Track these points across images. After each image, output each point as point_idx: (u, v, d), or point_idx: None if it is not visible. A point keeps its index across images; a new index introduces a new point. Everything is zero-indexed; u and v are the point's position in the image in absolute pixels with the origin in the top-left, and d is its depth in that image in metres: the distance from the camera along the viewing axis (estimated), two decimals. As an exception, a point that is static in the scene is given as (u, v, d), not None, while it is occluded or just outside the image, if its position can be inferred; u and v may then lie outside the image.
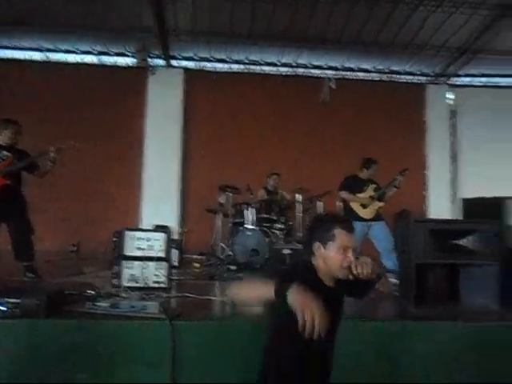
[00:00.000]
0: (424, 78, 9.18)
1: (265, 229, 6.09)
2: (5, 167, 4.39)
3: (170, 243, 4.14)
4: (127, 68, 8.50)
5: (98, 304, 3.06)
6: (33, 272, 4.41)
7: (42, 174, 4.61)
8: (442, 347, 2.91)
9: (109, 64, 8.50)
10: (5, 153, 4.44)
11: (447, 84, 9.25)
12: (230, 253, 5.87)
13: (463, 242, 3.53)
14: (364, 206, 5.66)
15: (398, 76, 9.08)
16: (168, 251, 3.98)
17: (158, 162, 8.37)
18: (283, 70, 8.83)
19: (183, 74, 8.75)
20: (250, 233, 5.91)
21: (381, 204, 5.72)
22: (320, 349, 1.95)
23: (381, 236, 5.51)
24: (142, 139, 8.49)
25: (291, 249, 5.97)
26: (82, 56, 8.40)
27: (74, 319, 2.80)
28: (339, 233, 1.98)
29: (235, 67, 8.75)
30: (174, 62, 8.72)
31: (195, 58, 8.67)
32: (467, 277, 3.73)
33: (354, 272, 1.92)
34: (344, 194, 5.73)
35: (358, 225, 4.79)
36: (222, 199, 6.36)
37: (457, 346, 2.95)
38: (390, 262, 5.07)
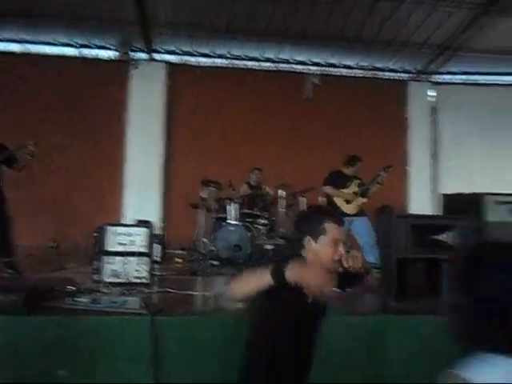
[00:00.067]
0: (406, 75, 9.25)
1: (247, 224, 6.09)
2: (-18, 161, 4.32)
3: (152, 238, 4.10)
4: (109, 61, 8.36)
5: (78, 300, 3.03)
6: (12, 268, 4.35)
7: (20, 167, 4.55)
8: (424, 341, 2.95)
9: (90, 57, 8.36)
10: (-18, 147, 4.37)
11: (429, 81, 9.36)
12: (213, 248, 5.86)
13: (442, 237, 3.58)
14: (348, 202, 5.71)
15: (380, 73, 9.13)
16: (150, 246, 3.95)
17: (141, 157, 8.28)
18: (266, 65, 8.80)
19: (166, 67, 8.66)
20: (232, 228, 5.91)
21: (364, 200, 5.77)
22: (304, 342, 1.96)
23: (363, 231, 5.56)
24: (125, 133, 8.39)
25: (274, 244, 5.98)
26: (62, 48, 8.23)
27: (54, 315, 2.77)
28: (330, 226, 2.00)
29: (218, 62, 8.70)
30: (156, 56, 8.62)
31: (178, 51, 8.58)
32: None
33: (345, 265, 1.94)
34: (328, 189, 5.77)
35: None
36: (204, 194, 6.33)
37: (439, 339, 2.99)
38: (372, 256, 5.10)
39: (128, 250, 3.84)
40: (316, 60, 8.82)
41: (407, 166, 9.14)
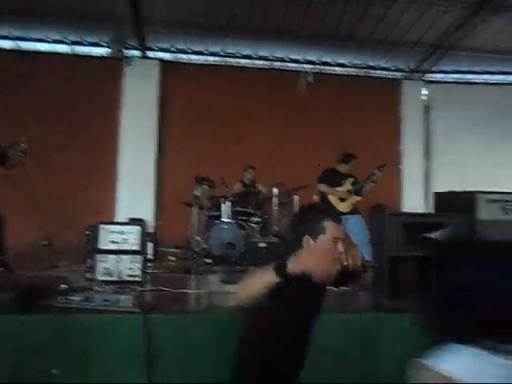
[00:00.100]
0: (399, 73, 9.28)
1: (241, 222, 6.09)
2: (-26, 159, 4.28)
3: (145, 236, 4.10)
4: (102, 58, 8.29)
5: (71, 298, 3.02)
6: (4, 266, 4.32)
7: (12, 165, 4.50)
8: (417, 339, 2.96)
9: (83, 54, 8.30)
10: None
11: (422, 80, 9.39)
12: (206, 246, 5.85)
13: (434, 235, 3.59)
14: (342, 200, 5.72)
15: (373, 71, 9.15)
16: (143, 244, 3.93)
17: (134, 155, 8.25)
18: (259, 63, 8.79)
19: (159, 65, 8.63)
20: (225, 226, 5.90)
21: (358, 198, 5.79)
22: (298, 341, 1.97)
23: (357, 229, 5.56)
24: (118, 131, 8.36)
25: (267, 242, 5.98)
26: (55, 45, 8.17)
27: (47, 314, 2.76)
28: (329, 225, 1.99)
29: (212, 60, 8.68)
30: (150, 54, 8.59)
31: (171, 49, 8.56)
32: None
33: (345, 263, 1.94)
34: (322, 187, 5.77)
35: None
36: (197, 192, 6.31)
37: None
38: (366, 255, 5.12)
39: (121, 248, 3.83)
40: (310, 58, 8.82)
41: (400, 164, 9.18)
